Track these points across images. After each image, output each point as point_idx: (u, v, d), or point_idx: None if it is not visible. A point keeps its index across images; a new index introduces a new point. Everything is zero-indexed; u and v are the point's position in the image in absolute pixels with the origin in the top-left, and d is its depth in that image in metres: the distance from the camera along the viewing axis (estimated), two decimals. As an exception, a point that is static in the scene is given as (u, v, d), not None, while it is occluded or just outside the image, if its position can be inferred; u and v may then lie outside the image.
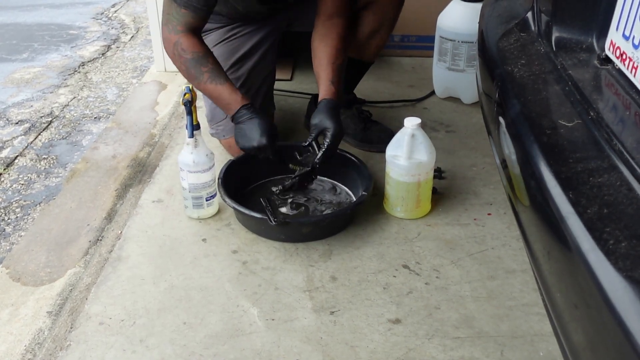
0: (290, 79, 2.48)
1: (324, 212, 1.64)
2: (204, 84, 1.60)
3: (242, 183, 1.70)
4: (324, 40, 1.69)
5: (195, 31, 1.62)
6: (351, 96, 2.03)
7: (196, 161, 1.54)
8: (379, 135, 1.93)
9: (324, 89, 1.64)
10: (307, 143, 1.60)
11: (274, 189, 1.65)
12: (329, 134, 1.57)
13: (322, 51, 1.68)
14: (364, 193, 1.58)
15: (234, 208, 1.54)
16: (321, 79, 1.66)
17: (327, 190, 1.73)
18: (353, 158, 1.72)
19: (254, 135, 1.56)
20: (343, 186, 1.75)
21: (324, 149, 1.57)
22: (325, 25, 1.70)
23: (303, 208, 1.65)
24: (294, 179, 1.61)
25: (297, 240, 1.53)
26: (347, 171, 1.73)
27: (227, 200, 1.54)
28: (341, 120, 1.64)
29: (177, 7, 1.57)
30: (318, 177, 1.69)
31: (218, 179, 1.61)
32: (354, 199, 1.67)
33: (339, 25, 1.70)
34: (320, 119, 1.59)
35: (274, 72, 1.94)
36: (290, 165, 1.62)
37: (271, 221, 1.45)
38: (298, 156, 1.62)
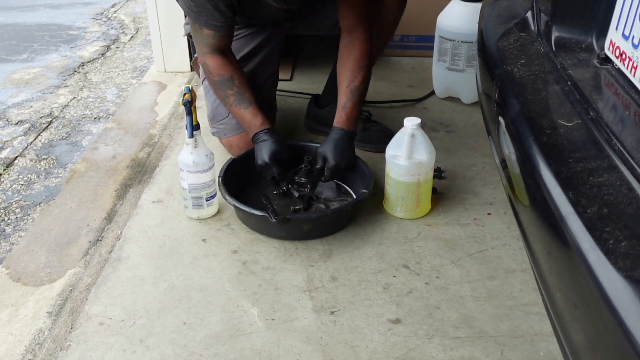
0: (290, 79, 2.48)
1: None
2: (229, 105, 1.70)
3: (242, 181, 1.70)
4: (342, 60, 1.71)
5: (222, 51, 1.68)
6: None
7: (196, 161, 1.54)
8: (379, 135, 1.93)
9: (338, 116, 1.68)
10: (308, 168, 1.66)
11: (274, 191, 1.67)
12: (328, 167, 1.63)
13: (341, 73, 1.70)
14: (364, 191, 1.58)
15: (234, 206, 1.54)
16: (337, 105, 1.69)
17: (328, 189, 1.73)
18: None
19: (261, 155, 1.63)
20: (343, 185, 1.75)
21: (318, 178, 1.65)
22: (345, 44, 1.71)
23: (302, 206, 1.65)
24: (293, 189, 1.65)
25: (298, 237, 1.53)
26: (352, 171, 1.73)
27: (228, 198, 1.54)
28: (347, 150, 1.66)
29: (200, 29, 1.64)
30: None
31: (218, 177, 1.61)
32: (355, 197, 1.68)
33: (358, 41, 1.69)
34: (324, 150, 1.64)
35: (276, 73, 1.95)
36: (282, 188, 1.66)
37: (272, 218, 1.45)
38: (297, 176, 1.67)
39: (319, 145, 1.69)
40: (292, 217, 1.50)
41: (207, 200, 1.60)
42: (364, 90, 1.71)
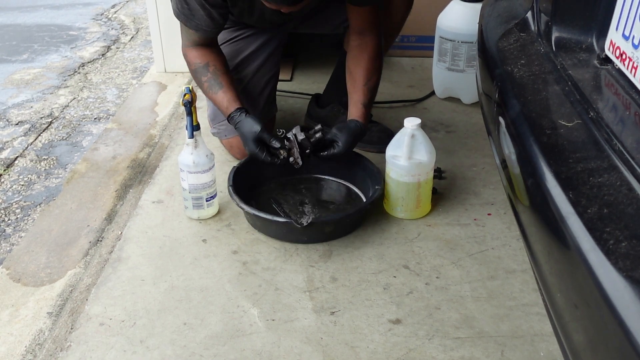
0: (290, 80, 2.48)
1: (333, 212, 1.65)
2: (206, 93, 1.70)
3: (248, 186, 1.68)
4: (357, 60, 1.70)
5: (205, 44, 1.69)
6: None
7: (196, 162, 1.54)
8: (379, 135, 1.93)
9: (355, 110, 1.66)
10: (314, 131, 1.59)
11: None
12: (336, 149, 1.58)
13: (355, 72, 1.70)
14: (377, 187, 1.59)
15: (253, 214, 1.52)
16: (353, 101, 1.68)
17: (336, 192, 1.74)
18: (357, 156, 1.73)
19: (246, 142, 1.59)
20: (353, 187, 1.76)
21: (324, 153, 1.60)
22: (358, 45, 1.71)
23: (305, 207, 1.65)
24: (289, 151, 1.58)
25: (320, 240, 1.53)
26: (354, 170, 1.73)
27: (244, 207, 1.52)
28: (355, 143, 1.64)
29: (187, 28, 1.66)
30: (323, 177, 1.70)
31: (228, 186, 1.60)
32: (360, 195, 1.71)
33: (371, 43, 1.70)
34: (338, 134, 1.59)
35: (277, 74, 1.94)
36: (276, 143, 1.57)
37: (296, 224, 1.45)
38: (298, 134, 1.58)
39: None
40: (316, 220, 1.49)
41: (207, 201, 1.60)
42: (376, 93, 1.72)
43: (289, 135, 1.57)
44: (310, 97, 2.12)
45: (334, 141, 1.60)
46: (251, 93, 1.84)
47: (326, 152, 1.60)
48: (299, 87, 2.39)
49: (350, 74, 1.72)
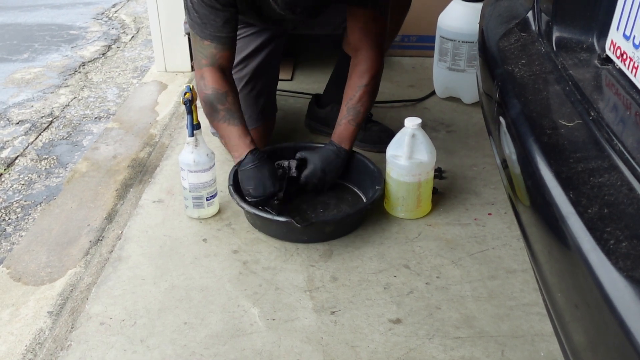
0: (291, 79, 2.48)
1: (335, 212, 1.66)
2: (217, 121, 1.62)
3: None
4: (348, 77, 1.68)
5: (222, 66, 1.62)
6: None
7: (197, 161, 1.54)
8: (380, 135, 1.93)
9: (341, 134, 1.66)
10: (287, 165, 1.64)
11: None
12: (313, 182, 1.63)
13: (344, 91, 1.68)
14: (378, 187, 1.60)
15: (253, 214, 1.52)
16: (343, 120, 1.67)
17: (334, 190, 1.74)
18: (358, 156, 1.73)
19: (265, 182, 1.56)
20: (353, 187, 1.76)
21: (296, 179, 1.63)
22: (352, 60, 1.69)
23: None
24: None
25: (320, 240, 1.53)
26: (354, 170, 1.73)
27: (245, 206, 1.53)
28: (333, 164, 1.64)
29: (201, 41, 1.59)
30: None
31: (228, 185, 1.60)
32: (360, 195, 1.71)
33: (363, 58, 1.65)
34: (314, 163, 1.63)
35: (277, 74, 1.94)
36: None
37: (297, 224, 1.45)
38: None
39: (321, 145, 1.69)
40: (316, 220, 1.49)
41: (207, 200, 1.60)
42: (362, 109, 1.66)
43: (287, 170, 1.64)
44: (310, 97, 2.12)
45: (305, 164, 1.63)
46: (251, 93, 1.84)
47: (301, 180, 1.63)
48: (299, 86, 2.39)
49: (346, 89, 1.69)
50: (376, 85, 1.69)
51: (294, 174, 1.63)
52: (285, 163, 1.65)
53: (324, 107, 2.03)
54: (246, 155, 1.57)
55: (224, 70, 1.63)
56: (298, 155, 1.66)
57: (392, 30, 1.91)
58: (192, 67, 2.56)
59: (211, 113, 1.62)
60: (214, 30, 1.57)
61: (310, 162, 1.63)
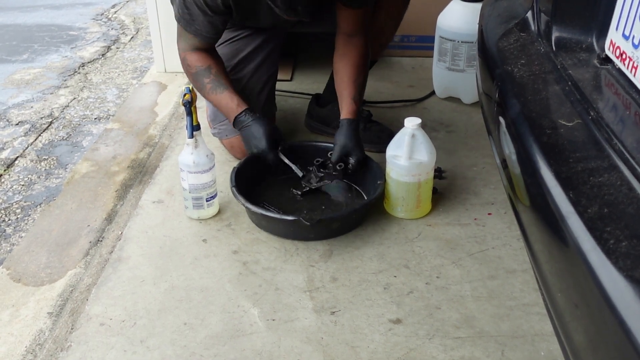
0: (290, 79, 2.48)
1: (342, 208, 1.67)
2: (207, 95, 1.70)
3: (248, 185, 1.68)
4: (345, 59, 1.72)
5: (204, 48, 1.69)
6: None
7: (196, 162, 1.54)
8: (379, 135, 1.93)
9: (347, 107, 1.68)
10: (331, 162, 1.65)
11: (294, 191, 1.68)
12: (352, 160, 1.63)
13: (343, 69, 1.72)
14: (379, 182, 1.61)
15: (260, 214, 1.52)
16: (343, 97, 1.70)
17: (339, 191, 1.74)
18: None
19: (255, 141, 1.62)
20: (354, 185, 1.76)
21: (346, 171, 1.64)
22: (345, 44, 1.73)
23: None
24: (310, 187, 1.67)
25: (326, 237, 1.54)
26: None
27: (250, 206, 1.53)
28: (359, 142, 1.67)
29: (185, 32, 1.66)
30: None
31: (231, 187, 1.60)
32: (361, 192, 1.72)
33: (359, 44, 1.72)
34: (345, 142, 1.64)
35: (276, 74, 1.95)
36: (294, 190, 1.68)
37: (306, 221, 1.45)
38: (316, 170, 1.67)
39: (321, 143, 1.71)
40: (324, 217, 1.50)
41: (207, 201, 1.60)
42: (364, 90, 1.74)
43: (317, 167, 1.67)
44: (310, 96, 2.12)
45: (348, 155, 1.64)
46: (250, 93, 1.84)
47: (350, 166, 1.64)
48: (299, 87, 2.39)
49: (338, 73, 1.74)
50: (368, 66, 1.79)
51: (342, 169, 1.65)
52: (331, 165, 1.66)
53: (324, 107, 2.03)
54: (237, 116, 1.64)
55: (207, 50, 1.70)
56: (335, 157, 1.65)
57: (391, 29, 1.92)
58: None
59: (200, 89, 1.70)
60: (200, 28, 1.62)
61: (358, 152, 1.64)
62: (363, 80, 1.73)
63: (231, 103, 1.65)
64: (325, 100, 2.04)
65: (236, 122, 1.66)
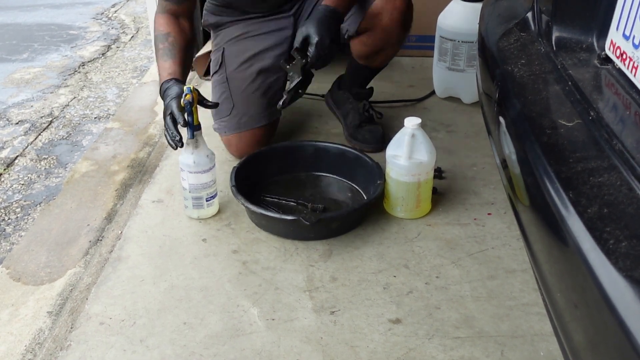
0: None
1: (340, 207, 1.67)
2: (157, 59, 1.68)
3: (247, 186, 1.68)
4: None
5: (175, 13, 1.70)
6: (364, 90, 2.04)
7: (197, 162, 1.54)
8: (365, 135, 1.93)
9: None
10: (291, 50, 1.58)
11: (278, 106, 1.62)
12: (312, 43, 1.53)
13: None
14: (379, 182, 1.60)
15: (260, 214, 1.52)
16: None
17: (334, 187, 1.74)
18: (355, 152, 1.75)
19: (168, 100, 1.53)
20: (347, 181, 1.76)
21: (308, 59, 1.54)
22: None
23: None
24: (289, 92, 1.60)
25: (326, 236, 1.54)
26: (353, 166, 1.74)
27: (250, 206, 1.53)
28: (334, 30, 1.57)
29: None
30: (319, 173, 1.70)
31: (231, 186, 1.60)
32: (360, 191, 1.72)
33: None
34: (307, 26, 1.55)
35: (282, 79, 1.94)
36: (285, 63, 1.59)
37: (306, 221, 1.45)
38: (286, 64, 1.58)
39: (320, 143, 1.70)
40: (324, 217, 1.50)
41: (207, 201, 1.60)
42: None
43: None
44: (314, 98, 2.15)
45: (307, 37, 1.55)
46: (255, 92, 1.84)
47: (309, 59, 1.54)
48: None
49: None
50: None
51: (303, 61, 1.55)
52: (291, 57, 1.56)
53: (340, 89, 2.07)
54: (161, 85, 1.59)
55: (177, 16, 1.70)
56: (298, 37, 1.57)
57: (393, 47, 1.88)
58: (192, 67, 2.56)
59: (155, 52, 1.69)
60: None
61: (313, 34, 1.54)
62: None
63: (164, 71, 1.60)
64: (344, 83, 2.07)
65: (161, 90, 1.59)
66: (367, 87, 2.05)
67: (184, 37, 1.69)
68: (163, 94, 1.58)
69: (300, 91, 1.62)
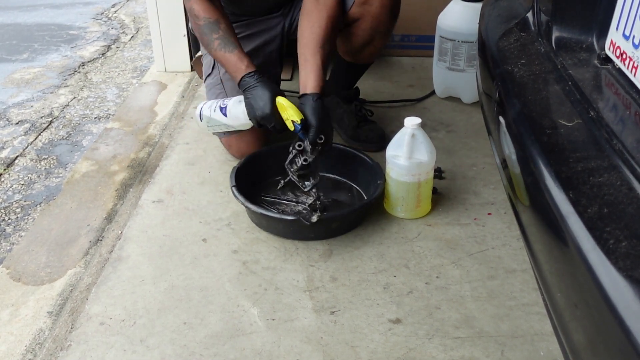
0: (291, 79, 2.48)
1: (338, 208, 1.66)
2: (214, 51, 1.62)
3: (247, 186, 1.68)
4: (311, 17, 1.62)
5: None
6: (352, 92, 2.03)
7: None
8: (367, 134, 1.93)
9: (314, 79, 1.58)
10: (309, 145, 1.54)
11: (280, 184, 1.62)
12: (326, 138, 1.54)
13: (309, 31, 1.61)
14: (379, 182, 1.60)
15: (260, 214, 1.52)
16: (308, 65, 1.60)
17: (334, 187, 1.74)
18: (355, 152, 1.74)
19: (258, 104, 1.54)
20: (347, 181, 1.76)
21: (319, 153, 1.54)
22: (313, 4, 1.64)
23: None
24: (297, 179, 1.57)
25: (326, 236, 1.54)
26: (353, 166, 1.74)
27: (251, 206, 1.52)
28: (328, 115, 1.59)
29: None
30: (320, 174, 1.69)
31: (231, 187, 1.59)
32: (360, 191, 1.72)
33: (328, 5, 1.63)
34: (319, 124, 1.53)
35: (278, 75, 1.94)
36: (282, 180, 1.60)
37: (306, 221, 1.45)
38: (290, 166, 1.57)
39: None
40: (324, 217, 1.49)
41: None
42: (331, 56, 1.66)
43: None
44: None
45: (318, 133, 1.54)
46: None
47: (325, 148, 1.55)
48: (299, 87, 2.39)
49: (303, 34, 1.62)
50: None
51: (311, 155, 1.53)
52: (301, 148, 1.55)
53: (327, 96, 2.04)
54: (242, 78, 1.57)
55: (212, 0, 1.65)
56: (308, 136, 1.55)
57: (380, 38, 1.83)
58: (192, 67, 2.56)
59: (207, 44, 1.64)
60: None
61: (328, 134, 1.55)
62: (330, 49, 1.62)
63: (240, 63, 1.57)
64: (330, 89, 2.04)
65: (242, 83, 1.58)
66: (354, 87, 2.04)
67: (230, 22, 1.65)
68: (247, 89, 1.55)
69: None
